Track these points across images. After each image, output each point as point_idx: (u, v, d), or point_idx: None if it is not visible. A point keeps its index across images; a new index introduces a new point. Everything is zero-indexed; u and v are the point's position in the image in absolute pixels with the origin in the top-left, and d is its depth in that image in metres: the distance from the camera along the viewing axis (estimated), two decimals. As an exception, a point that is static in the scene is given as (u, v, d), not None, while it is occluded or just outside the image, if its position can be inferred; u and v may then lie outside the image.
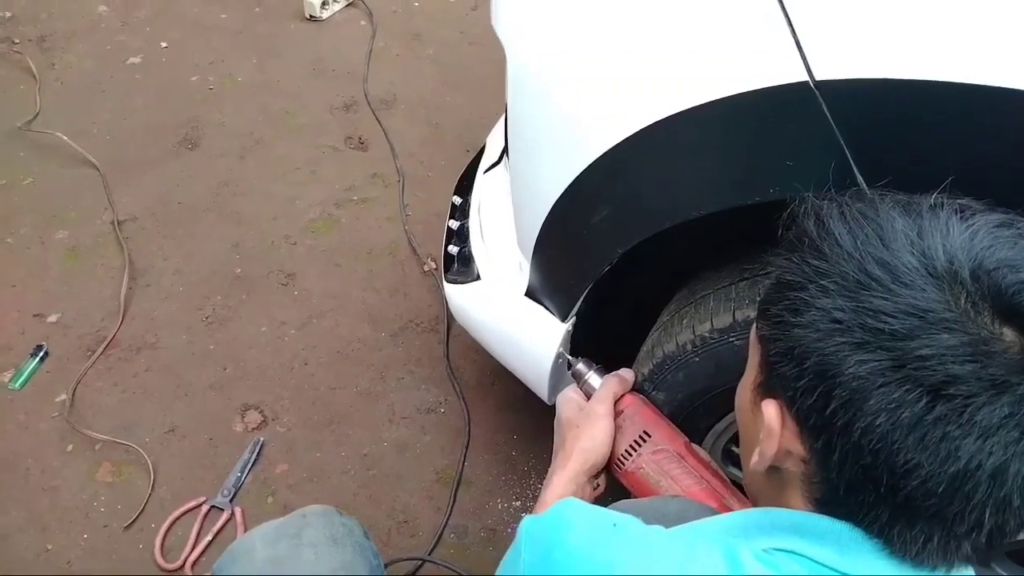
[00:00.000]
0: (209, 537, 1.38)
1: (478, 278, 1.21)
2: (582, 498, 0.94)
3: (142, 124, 2.11)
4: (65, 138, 2.00)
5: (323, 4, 2.45)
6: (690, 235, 0.90)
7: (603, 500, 0.98)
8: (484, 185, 1.35)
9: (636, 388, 1.06)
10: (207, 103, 2.18)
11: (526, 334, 1.13)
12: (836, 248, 0.56)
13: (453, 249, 1.29)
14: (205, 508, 1.41)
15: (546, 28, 0.92)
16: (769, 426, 0.59)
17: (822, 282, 0.56)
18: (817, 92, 0.69)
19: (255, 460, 1.48)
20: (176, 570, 1.35)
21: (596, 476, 1.00)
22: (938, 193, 0.58)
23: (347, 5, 2.52)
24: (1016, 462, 0.50)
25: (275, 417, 1.55)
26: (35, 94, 2.16)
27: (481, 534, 1.41)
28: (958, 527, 0.53)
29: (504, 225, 1.21)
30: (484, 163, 1.41)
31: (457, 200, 1.38)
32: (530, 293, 1.12)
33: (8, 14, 2.44)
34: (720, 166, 0.81)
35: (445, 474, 1.48)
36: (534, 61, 0.94)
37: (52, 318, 1.69)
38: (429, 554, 1.37)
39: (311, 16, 2.45)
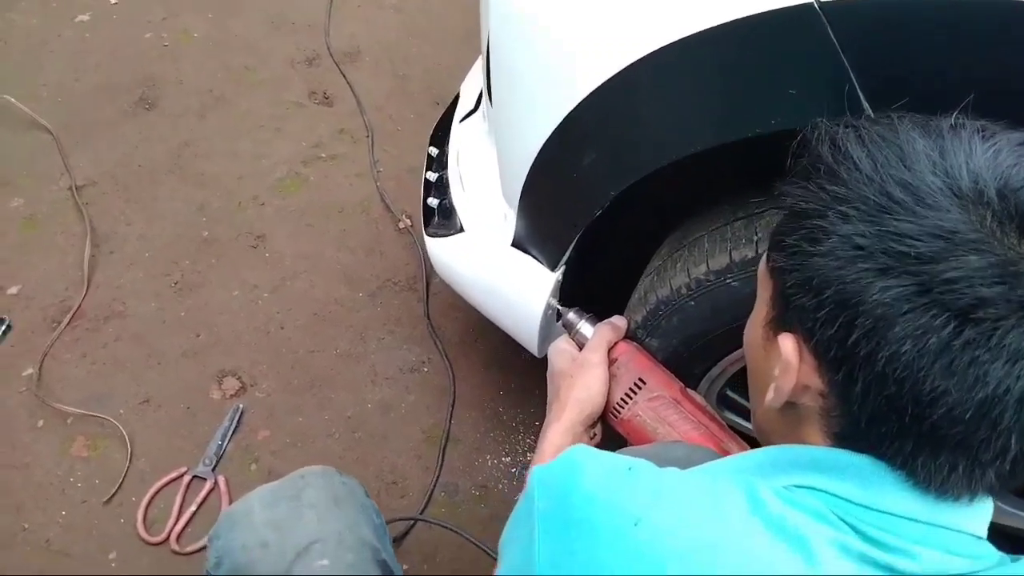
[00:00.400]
0: (193, 507, 1.34)
1: (461, 230, 1.17)
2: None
3: (95, 84, 2.02)
4: (13, 101, 1.90)
5: (278, -46, 2.34)
6: (683, 174, 0.87)
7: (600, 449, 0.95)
8: (461, 134, 1.30)
9: (629, 335, 1.03)
10: (163, 61, 2.08)
11: (514, 285, 1.09)
12: (855, 172, 0.54)
13: (433, 201, 1.25)
14: (187, 478, 1.37)
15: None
16: (787, 360, 0.57)
17: (841, 208, 0.53)
18: (821, 13, 0.66)
19: (236, 427, 1.44)
20: (161, 542, 1.31)
21: (592, 426, 0.98)
22: (958, 113, 0.55)
23: (304, -46, 2.41)
24: None
25: (253, 383, 1.51)
26: (-22, 56, 2.05)
27: (472, 491, 1.39)
28: (984, 454, 0.52)
29: (486, 174, 1.17)
30: (459, 112, 1.36)
31: (433, 151, 1.33)
32: (517, 243, 1.08)
33: (-58, -29, 2.31)
34: (718, 98, 0.78)
35: (432, 433, 1.45)
36: (516, -4, 0.89)
37: (12, 290, 1.62)
38: (420, 513, 1.34)
39: (267, -33, 2.35)
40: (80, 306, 1.59)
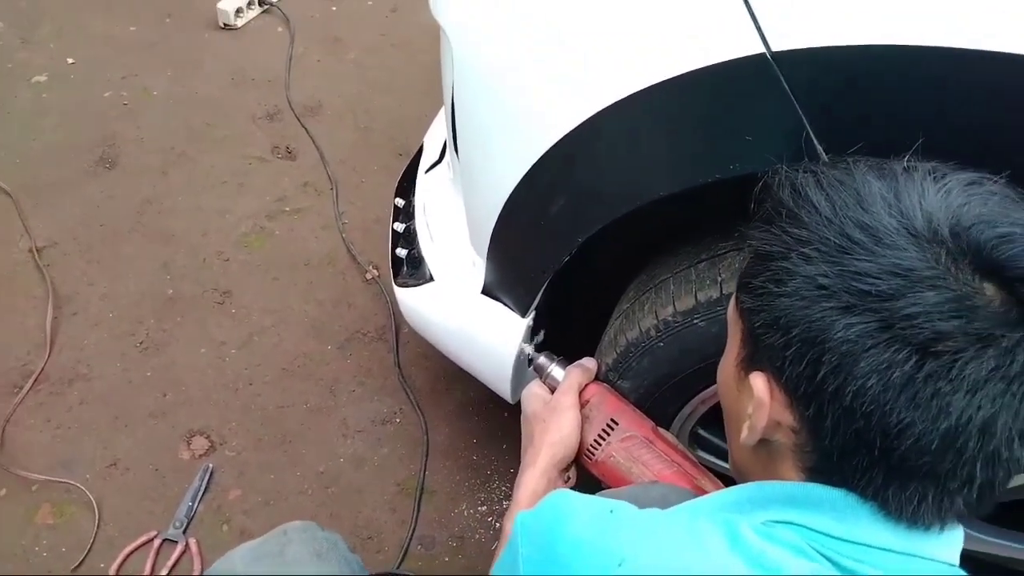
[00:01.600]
0: (164, 572, 1.31)
1: (431, 279, 1.18)
2: (549, 490, 0.93)
3: (54, 144, 2.01)
4: (-30, 164, 1.89)
5: (237, 12, 2.37)
6: (647, 220, 0.90)
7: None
8: (427, 185, 1.32)
9: (599, 377, 1.04)
10: (123, 119, 2.08)
11: (485, 332, 1.10)
12: (815, 215, 0.56)
13: (401, 252, 1.26)
14: (157, 542, 1.35)
15: (492, 12, 0.90)
16: (759, 398, 0.59)
17: (803, 250, 0.55)
18: (774, 63, 0.69)
19: (206, 488, 1.42)
20: (131, 610, 1.28)
21: (567, 469, 0.99)
22: (910, 156, 0.58)
23: (262, 12, 2.44)
24: (1004, 414, 0.51)
25: (223, 441, 1.49)
26: (-68, 120, 2.03)
27: (449, 543, 1.38)
28: (951, 483, 0.54)
29: (454, 223, 1.19)
30: (424, 163, 1.38)
31: (400, 202, 1.35)
32: (487, 290, 1.09)
33: None
34: (679, 145, 0.80)
35: (407, 485, 1.44)
36: (482, 48, 0.91)
37: (-29, 356, 1.59)
38: (398, 568, 1.33)
39: (225, 24, 2.37)
40: (43, 369, 1.57)
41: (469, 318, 1.12)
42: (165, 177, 1.95)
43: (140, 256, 1.77)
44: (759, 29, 0.69)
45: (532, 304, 1.05)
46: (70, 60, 2.26)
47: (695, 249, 0.96)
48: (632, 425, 0.98)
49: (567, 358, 1.07)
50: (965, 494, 0.55)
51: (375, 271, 1.74)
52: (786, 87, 0.70)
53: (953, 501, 0.55)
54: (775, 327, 0.56)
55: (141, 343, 1.63)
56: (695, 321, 0.92)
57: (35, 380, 1.55)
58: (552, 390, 1.04)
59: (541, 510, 0.63)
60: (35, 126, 2.06)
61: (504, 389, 1.15)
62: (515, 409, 1.09)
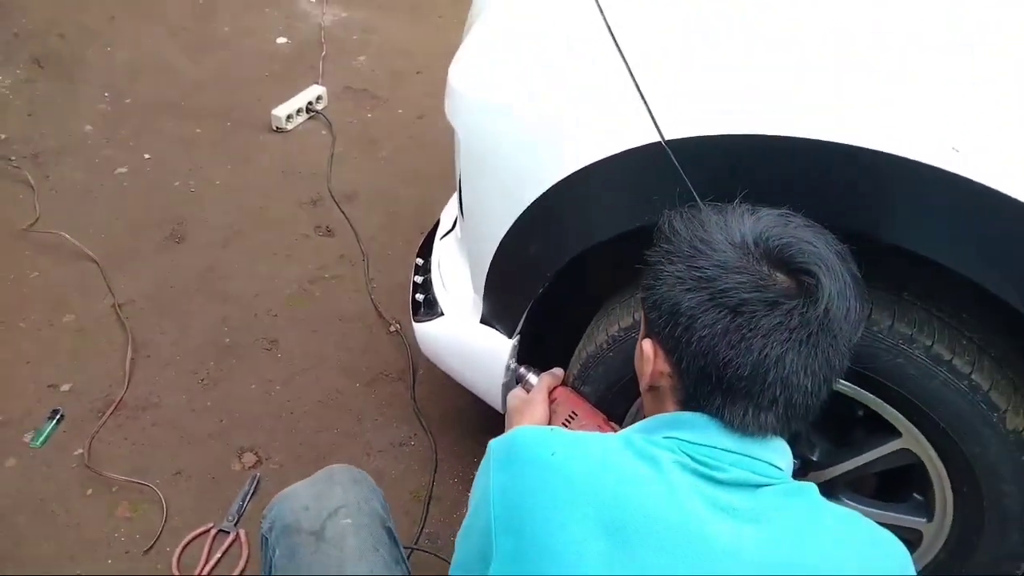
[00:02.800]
0: (218, 555, 1.61)
1: (442, 314, 1.53)
2: None
3: (133, 223, 2.41)
4: (67, 236, 2.28)
5: (288, 117, 2.81)
6: (607, 264, 1.25)
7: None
8: (441, 247, 1.68)
9: (567, 383, 1.37)
10: (190, 203, 2.49)
11: (482, 352, 1.44)
12: (676, 235, 0.91)
13: (419, 297, 1.61)
14: (213, 532, 1.65)
15: (486, 119, 1.28)
16: (647, 355, 0.92)
17: (669, 256, 0.90)
18: (667, 147, 1.05)
19: (254, 491, 1.73)
20: (192, 583, 1.58)
21: None
22: (738, 201, 0.93)
23: (309, 118, 2.89)
24: (790, 353, 0.82)
25: (268, 457, 1.81)
26: (34, 201, 2.44)
27: (451, 539, 1.66)
28: (761, 401, 0.85)
29: (459, 273, 1.54)
30: (440, 232, 1.74)
31: (420, 261, 1.71)
32: (484, 320, 1.44)
33: (3, 136, 2.74)
34: (608, 206, 1.16)
35: (418, 494, 1.75)
36: (479, 140, 1.29)
37: (65, 387, 1.93)
38: (408, 557, 1.62)
39: (277, 128, 2.81)
40: (122, 399, 1.91)
41: (470, 341, 1.46)
42: (225, 249, 2.33)
43: (203, 312, 2.14)
44: (656, 124, 1.05)
45: (517, 328, 1.39)
46: (146, 155, 2.69)
47: (635, 282, 1.29)
48: (587, 416, 1.29)
49: (542, 369, 1.39)
50: (775, 411, 0.85)
51: (397, 325, 2.09)
52: (676, 163, 1.06)
53: (767, 415, 0.85)
54: (655, 307, 0.89)
55: (203, 380, 1.97)
56: (633, 335, 1.25)
57: (115, 407, 1.89)
58: (528, 392, 1.36)
59: (504, 435, 0.92)
60: (117, 208, 2.47)
61: (496, 399, 1.48)
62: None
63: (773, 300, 0.82)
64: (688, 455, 0.85)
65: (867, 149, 0.96)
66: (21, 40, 3.14)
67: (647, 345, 0.92)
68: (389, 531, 1.16)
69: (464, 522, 0.93)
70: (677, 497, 0.81)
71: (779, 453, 0.89)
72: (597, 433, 0.96)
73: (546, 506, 0.81)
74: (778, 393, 0.84)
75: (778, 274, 0.84)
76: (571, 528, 0.79)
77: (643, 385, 0.95)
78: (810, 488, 0.88)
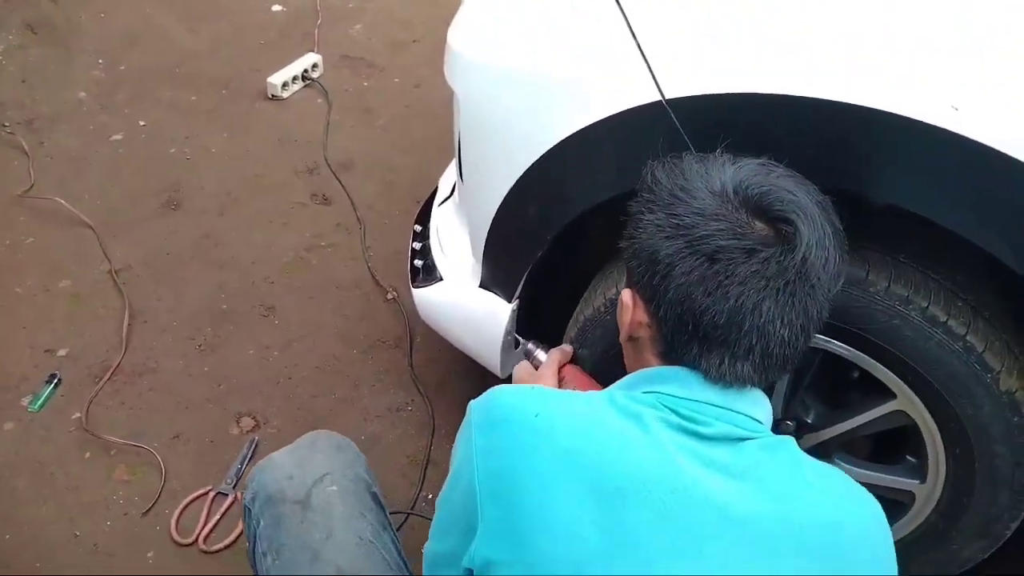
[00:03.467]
0: (217, 516, 1.63)
1: (441, 279, 1.53)
2: None
3: (129, 190, 2.40)
4: (62, 202, 2.27)
5: (283, 85, 2.79)
6: (605, 228, 1.25)
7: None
8: (440, 214, 1.68)
9: (573, 360, 1.37)
10: (186, 171, 2.48)
11: (481, 316, 1.45)
12: (657, 185, 0.90)
13: (418, 263, 1.62)
14: (212, 494, 1.66)
15: (485, 80, 1.27)
16: (625, 304, 0.92)
17: (649, 205, 0.89)
18: (667, 106, 1.05)
19: (252, 455, 1.74)
20: (191, 544, 1.59)
21: None
22: (721, 150, 0.92)
23: (305, 86, 2.86)
24: (767, 301, 0.82)
25: (266, 421, 1.82)
26: (29, 168, 2.42)
27: (448, 502, 1.69)
28: (737, 350, 0.84)
29: (458, 238, 1.54)
30: (438, 199, 1.74)
31: (418, 228, 1.71)
32: (483, 284, 1.44)
33: (-4, 101, 2.72)
34: (607, 166, 1.16)
35: (415, 457, 1.76)
36: (478, 103, 1.28)
37: (62, 352, 1.94)
38: (406, 518, 1.63)
39: (273, 96, 2.79)
40: (119, 364, 1.91)
41: (469, 306, 1.47)
42: (221, 217, 2.33)
43: (199, 279, 2.14)
44: (656, 82, 1.05)
45: (516, 292, 1.39)
46: (142, 123, 2.68)
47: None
48: None
49: (550, 345, 1.39)
50: (751, 360, 0.85)
51: (394, 292, 2.09)
52: (676, 122, 1.06)
53: (743, 365, 0.85)
54: (635, 256, 0.89)
55: (200, 346, 1.97)
56: (632, 299, 1.26)
57: (112, 372, 1.89)
58: (536, 367, 1.36)
59: (485, 394, 0.88)
60: (113, 175, 2.46)
61: (495, 363, 1.48)
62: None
63: (750, 247, 0.82)
64: (671, 409, 0.86)
65: (864, 107, 0.96)
66: (13, 5, 3.10)
67: (626, 295, 0.93)
68: (375, 496, 1.15)
69: (446, 483, 0.91)
70: (665, 455, 0.81)
71: (759, 405, 0.90)
72: (578, 392, 0.96)
73: (533, 472, 0.81)
74: (754, 342, 0.84)
75: (756, 222, 0.84)
76: (561, 497, 0.79)
77: (623, 335, 0.96)
78: (789, 441, 0.89)
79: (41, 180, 2.39)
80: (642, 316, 0.91)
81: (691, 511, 0.79)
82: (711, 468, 0.82)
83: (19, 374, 1.88)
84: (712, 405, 0.86)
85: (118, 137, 2.61)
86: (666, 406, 0.86)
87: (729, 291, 0.82)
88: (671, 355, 0.89)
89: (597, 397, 0.89)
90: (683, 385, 0.87)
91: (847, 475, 0.90)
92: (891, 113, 0.95)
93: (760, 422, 0.89)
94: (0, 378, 1.87)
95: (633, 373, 0.94)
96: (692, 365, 0.87)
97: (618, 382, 0.94)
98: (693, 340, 0.86)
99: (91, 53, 2.94)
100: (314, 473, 1.12)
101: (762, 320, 0.83)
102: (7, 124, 2.60)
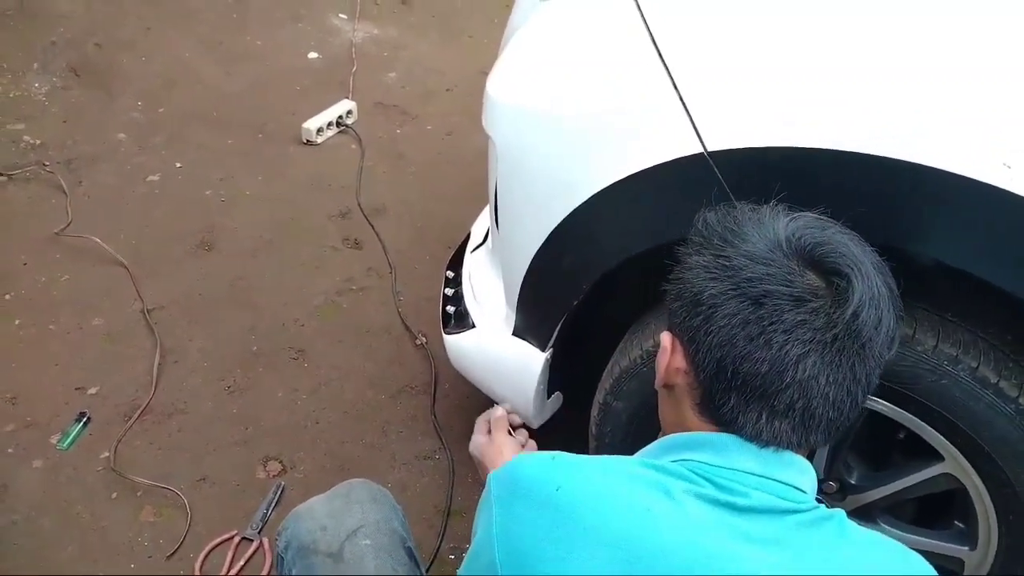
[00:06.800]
0: (241, 562, 1.60)
1: (473, 327, 1.52)
2: None
3: (163, 231, 2.43)
4: (98, 240, 2.30)
5: (318, 131, 2.83)
6: (642, 278, 1.23)
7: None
8: (472, 260, 1.68)
9: (599, 401, 1.35)
10: (220, 213, 2.51)
11: (514, 365, 1.43)
12: (708, 228, 0.88)
13: (450, 309, 1.61)
14: (237, 539, 1.64)
15: (523, 129, 1.28)
16: (663, 346, 0.89)
17: (698, 248, 0.87)
18: (709, 158, 1.04)
19: (278, 500, 1.72)
20: (214, 590, 1.57)
21: None
22: (774, 203, 0.91)
23: (339, 132, 2.91)
24: (812, 355, 0.78)
25: (293, 466, 1.80)
26: (66, 207, 2.46)
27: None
28: (776, 403, 0.80)
29: (491, 287, 1.54)
30: (471, 245, 1.74)
31: (450, 274, 1.71)
32: (516, 332, 1.43)
33: (38, 141, 2.77)
34: (646, 217, 1.15)
35: (441, 507, 1.73)
36: (516, 152, 1.29)
37: (92, 390, 1.94)
38: (427, 570, 1.60)
39: (308, 141, 2.83)
40: (148, 404, 1.91)
41: (501, 354, 1.45)
42: (254, 259, 2.34)
43: (231, 320, 2.14)
44: (698, 135, 1.05)
45: (550, 341, 1.38)
46: (178, 164, 2.72)
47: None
48: None
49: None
50: (790, 418, 0.80)
51: (423, 338, 2.09)
52: (718, 174, 1.05)
53: (781, 423, 0.80)
54: (678, 297, 0.86)
55: (229, 387, 1.97)
56: (669, 351, 1.24)
57: (142, 411, 1.89)
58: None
59: (505, 465, 0.84)
60: (149, 215, 2.49)
61: (528, 413, 1.46)
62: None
63: (799, 296, 0.79)
64: (705, 478, 0.81)
65: (913, 164, 0.95)
66: (59, 49, 3.19)
67: (665, 337, 0.89)
68: (409, 551, 1.13)
69: (468, 556, 0.87)
70: (696, 531, 0.77)
71: (802, 474, 0.85)
72: (603, 458, 0.92)
73: (556, 553, 0.76)
74: (796, 398, 0.80)
75: (809, 272, 0.81)
76: None
77: (658, 381, 0.91)
78: (838, 515, 0.84)
79: (78, 219, 2.42)
80: (680, 362, 0.87)
81: None
82: (747, 542, 0.77)
83: (50, 411, 1.88)
84: (750, 474, 0.82)
85: (155, 178, 2.65)
86: (699, 475, 0.81)
87: (773, 339, 0.78)
88: (708, 407, 0.85)
89: (624, 467, 0.84)
90: (718, 452, 0.83)
91: (901, 544, 0.84)
92: (942, 170, 0.93)
93: (804, 492, 0.84)
94: (31, 415, 1.87)
95: (665, 438, 0.90)
96: (728, 420, 0.83)
97: (649, 448, 0.90)
98: (731, 391, 0.82)
99: (131, 96, 3.00)
100: (348, 525, 1.10)
101: (805, 375, 0.79)
102: (47, 163, 2.66)
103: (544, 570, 0.77)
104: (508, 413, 1.36)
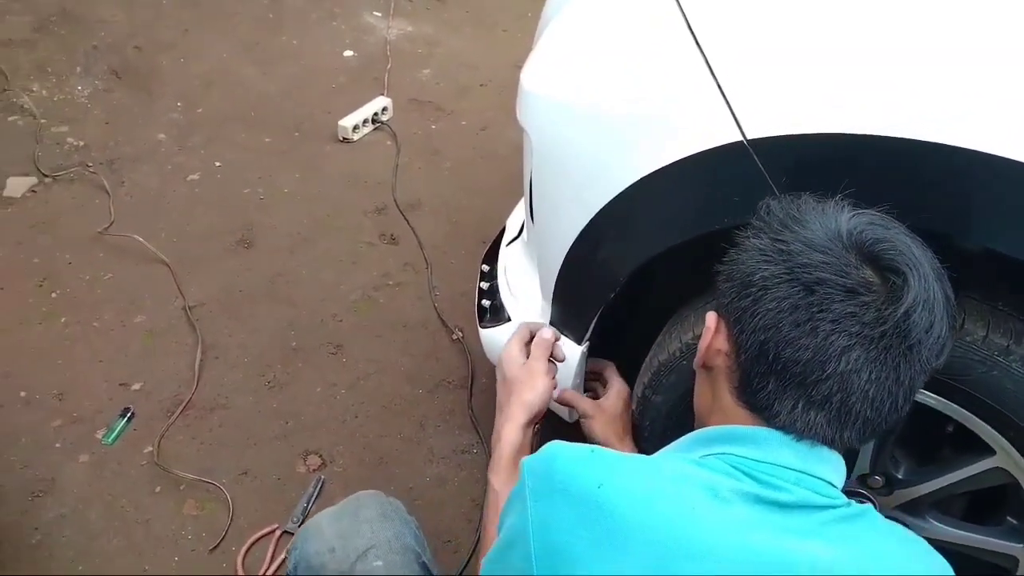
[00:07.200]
0: (283, 556, 1.61)
1: (509, 320, 1.51)
2: (524, 442, 1.15)
3: (203, 228, 2.46)
4: (140, 239, 2.33)
5: (354, 128, 2.84)
6: (679, 271, 1.22)
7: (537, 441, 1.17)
8: (508, 254, 1.67)
9: (637, 396, 1.34)
10: (259, 210, 2.53)
11: (550, 359, 1.42)
12: (769, 214, 0.87)
13: (486, 303, 1.60)
14: (278, 533, 1.66)
15: (558, 121, 1.26)
16: (708, 325, 0.88)
17: (757, 231, 0.86)
18: (749, 147, 1.02)
19: (318, 494, 1.74)
20: (256, 583, 1.58)
21: (533, 423, 1.19)
22: (841, 196, 0.89)
23: (374, 129, 2.92)
24: (856, 349, 0.77)
25: (332, 460, 1.81)
26: (109, 206, 2.50)
27: (513, 548, 1.65)
28: (814, 394, 0.79)
29: (527, 279, 1.53)
30: (506, 238, 1.74)
31: (485, 268, 1.70)
32: (552, 326, 1.41)
33: (82, 143, 2.82)
34: (684, 208, 1.13)
35: (480, 501, 1.73)
36: (551, 144, 1.27)
37: (136, 386, 1.97)
38: (466, 565, 1.60)
39: (344, 138, 2.85)
40: (191, 399, 1.93)
41: (537, 348, 1.44)
42: (292, 256, 2.36)
43: (270, 316, 2.16)
44: (738, 124, 1.03)
45: (586, 334, 1.36)
46: (217, 163, 2.75)
47: (708, 288, 1.26)
48: None
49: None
50: (826, 410, 0.79)
51: (460, 332, 2.09)
52: (758, 162, 1.03)
53: (817, 415, 0.79)
54: (729, 278, 0.86)
55: (269, 382, 1.99)
56: (708, 344, 1.22)
57: (184, 407, 1.91)
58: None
59: (541, 454, 0.83)
60: (189, 213, 2.52)
61: (563, 409, 1.45)
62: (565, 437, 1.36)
63: (852, 288, 0.78)
64: (746, 474, 0.81)
65: (962, 148, 0.92)
66: (100, 52, 3.25)
67: (710, 317, 0.89)
68: (424, 566, 1.10)
69: (496, 545, 0.86)
70: (743, 529, 0.76)
71: (836, 470, 0.84)
72: (643, 456, 0.91)
73: (596, 550, 0.76)
74: (834, 390, 0.79)
75: (866, 267, 0.80)
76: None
77: (698, 360, 0.91)
78: (869, 511, 0.84)
79: (120, 218, 2.46)
80: (722, 343, 0.87)
81: None
82: (793, 538, 0.77)
83: (95, 407, 1.92)
84: (790, 469, 0.81)
85: (195, 177, 2.69)
86: (740, 469, 0.81)
87: (819, 327, 0.78)
88: (744, 391, 0.85)
89: (666, 464, 0.84)
90: (759, 446, 0.82)
91: (925, 542, 0.84)
92: (991, 155, 0.90)
93: (835, 487, 0.84)
94: (77, 410, 1.91)
95: (700, 431, 0.89)
96: (764, 406, 0.82)
97: (683, 440, 0.89)
98: (770, 375, 0.81)
99: (170, 97, 3.05)
100: (358, 547, 1.06)
101: (848, 368, 0.78)
102: (90, 164, 2.70)
103: (584, 570, 0.76)
104: (555, 340, 1.28)
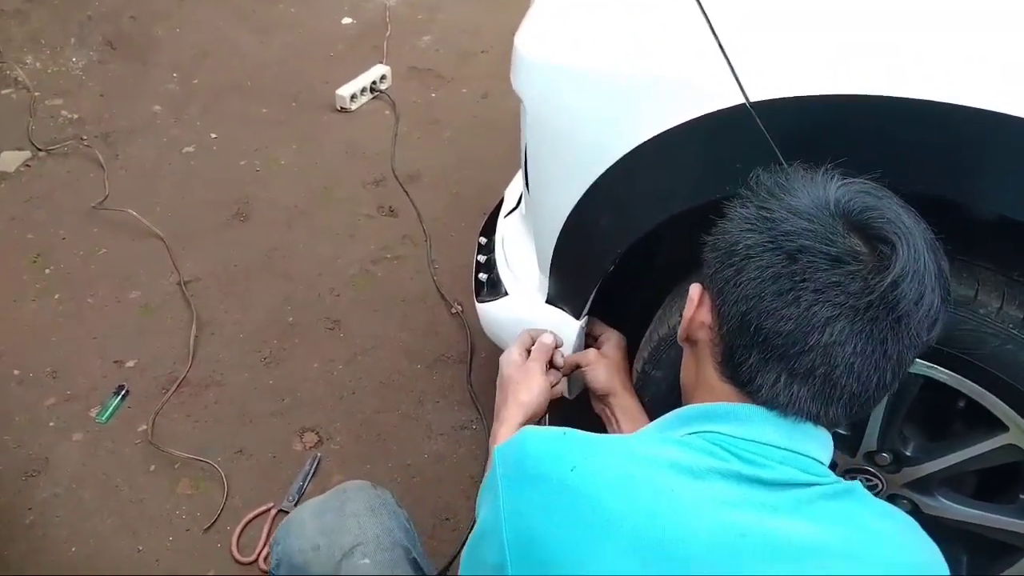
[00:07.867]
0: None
1: (506, 294, 1.47)
2: None
3: (199, 202, 2.42)
4: (134, 213, 2.30)
5: (352, 97, 2.78)
6: (680, 239, 1.17)
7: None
8: (505, 226, 1.62)
9: (637, 368, 1.30)
10: (255, 182, 2.49)
11: (548, 333, 1.37)
12: (758, 183, 0.83)
13: (483, 276, 1.55)
14: (273, 512, 1.63)
15: (554, 88, 1.21)
16: (691, 297, 0.85)
17: (743, 201, 0.82)
18: (752, 111, 0.97)
19: (314, 472, 1.71)
20: (251, 563, 1.56)
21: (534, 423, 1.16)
22: (832, 166, 0.84)
23: (373, 98, 2.86)
24: (841, 320, 0.73)
25: (329, 437, 1.78)
26: (104, 180, 2.46)
27: (513, 526, 1.62)
28: (797, 366, 0.75)
29: (524, 252, 1.48)
30: (504, 210, 1.68)
31: (483, 240, 1.65)
32: (550, 300, 1.37)
33: (76, 116, 2.78)
34: (686, 174, 1.08)
35: (479, 477, 1.70)
36: (547, 112, 1.22)
37: (130, 363, 1.94)
38: (464, 543, 1.57)
39: (342, 108, 2.79)
40: (185, 376, 1.90)
41: (535, 323, 1.39)
42: (289, 229, 2.32)
43: (267, 291, 2.13)
44: (741, 86, 0.97)
45: (584, 308, 1.32)
46: (213, 135, 2.70)
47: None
48: None
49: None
50: (809, 384, 0.76)
51: (459, 306, 2.05)
52: (762, 127, 0.97)
53: (800, 388, 0.76)
54: (713, 248, 0.83)
55: (265, 358, 1.96)
56: (710, 318, 1.18)
57: (179, 384, 1.89)
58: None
59: (511, 440, 0.81)
60: (184, 187, 2.48)
61: (562, 384, 1.41)
62: (567, 417, 1.31)
63: (837, 256, 0.74)
64: (730, 452, 0.77)
65: (975, 108, 0.86)
66: (94, 22, 3.19)
67: (694, 289, 0.86)
68: (414, 562, 1.05)
69: (470, 541, 0.84)
70: (724, 509, 0.73)
71: (823, 447, 0.81)
72: (618, 436, 0.87)
73: (572, 537, 0.73)
74: (818, 363, 0.75)
75: (853, 235, 0.75)
76: (602, 563, 0.71)
77: (681, 334, 0.89)
78: (856, 488, 0.80)
79: (115, 192, 2.42)
80: (705, 315, 0.84)
81: (745, 563, 0.71)
82: (776, 515, 0.74)
83: (89, 385, 1.89)
84: (775, 447, 0.78)
85: (190, 149, 2.64)
86: (723, 448, 0.78)
87: (802, 296, 0.74)
88: (727, 365, 0.81)
89: (642, 444, 0.80)
90: (742, 424, 0.79)
91: (911, 519, 0.82)
92: (1006, 115, 0.84)
93: (823, 464, 0.81)
94: (71, 389, 1.88)
95: (684, 408, 0.85)
96: (746, 380, 0.79)
97: (667, 418, 0.86)
98: (752, 347, 0.78)
99: (166, 67, 2.99)
100: (343, 544, 1.01)
101: (831, 339, 0.74)
102: (85, 137, 2.66)
103: (555, 554, 0.73)
104: (556, 347, 1.26)
